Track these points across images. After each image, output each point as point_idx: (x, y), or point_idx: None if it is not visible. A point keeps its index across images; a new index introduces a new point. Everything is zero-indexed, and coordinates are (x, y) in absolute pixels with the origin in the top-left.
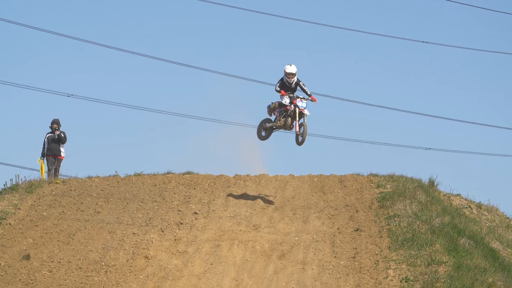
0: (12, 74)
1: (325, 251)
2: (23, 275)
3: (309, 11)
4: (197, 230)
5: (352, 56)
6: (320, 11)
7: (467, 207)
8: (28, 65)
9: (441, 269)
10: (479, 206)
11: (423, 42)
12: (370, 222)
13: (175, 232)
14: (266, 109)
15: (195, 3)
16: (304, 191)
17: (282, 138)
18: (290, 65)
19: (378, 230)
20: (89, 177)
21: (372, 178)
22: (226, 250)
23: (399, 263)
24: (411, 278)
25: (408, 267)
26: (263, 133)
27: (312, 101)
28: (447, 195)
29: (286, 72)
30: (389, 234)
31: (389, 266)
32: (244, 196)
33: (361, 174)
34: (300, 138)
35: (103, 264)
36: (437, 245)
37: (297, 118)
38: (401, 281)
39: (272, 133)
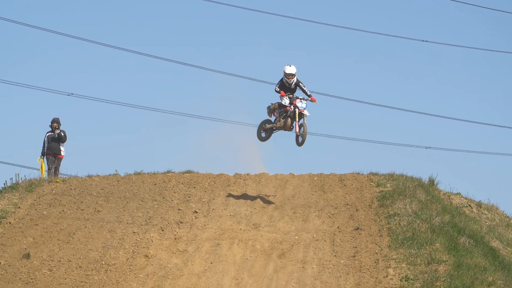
0: (12, 73)
1: (325, 250)
2: (23, 274)
3: (309, 10)
4: (197, 229)
5: (351, 55)
6: (320, 10)
7: (467, 206)
8: (28, 64)
9: (441, 268)
10: (479, 205)
11: (423, 41)
12: (370, 221)
13: (175, 231)
14: (266, 110)
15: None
16: (304, 190)
17: (282, 137)
18: (290, 66)
19: (378, 229)
20: (89, 176)
21: (372, 177)
22: (226, 249)
23: (399, 262)
24: (411, 277)
25: (408, 266)
26: (263, 134)
27: (311, 101)
28: (447, 194)
29: (286, 73)
30: (389, 233)
31: (389, 265)
32: (244, 195)
33: (361, 173)
34: (300, 139)
35: (103, 263)
36: (437, 244)
37: (297, 119)
38: (401, 280)
39: (272, 134)
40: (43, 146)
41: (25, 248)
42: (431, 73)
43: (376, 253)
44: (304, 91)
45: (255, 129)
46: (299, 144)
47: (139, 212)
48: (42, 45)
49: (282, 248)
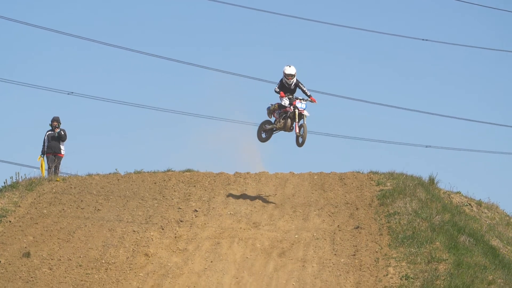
0: (12, 72)
1: (325, 248)
2: (23, 273)
3: (309, 9)
4: (197, 227)
5: (351, 54)
6: (320, 9)
7: (467, 205)
8: (28, 63)
9: (441, 266)
10: (479, 203)
11: (423, 40)
12: (370, 220)
13: (175, 230)
14: (266, 111)
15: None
16: (304, 188)
17: (282, 136)
18: (289, 66)
19: (378, 228)
20: (89, 175)
21: (372, 175)
22: (226, 247)
23: (399, 261)
24: (411, 275)
25: (408, 264)
26: (263, 135)
27: (311, 102)
28: (447, 192)
29: (286, 73)
30: (389, 231)
31: (389, 263)
32: (244, 194)
33: (361, 172)
34: (300, 140)
35: (103, 261)
36: (437, 243)
37: (297, 120)
38: (401, 279)
39: (273, 135)
40: (43, 145)
41: (25, 247)
42: (431, 72)
43: (376, 251)
44: (304, 92)
45: (255, 128)
46: (299, 144)
47: (139, 211)
48: (42, 44)
49: (282, 247)
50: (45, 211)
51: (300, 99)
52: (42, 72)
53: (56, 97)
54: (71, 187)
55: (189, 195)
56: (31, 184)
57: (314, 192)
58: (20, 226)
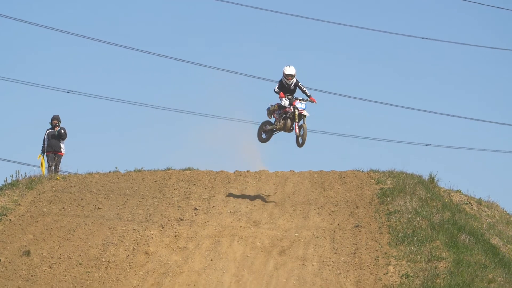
0: (12, 70)
1: (325, 247)
2: (24, 271)
3: (308, 8)
4: (197, 226)
5: (351, 53)
6: (320, 7)
7: (467, 203)
8: (28, 61)
9: (441, 265)
10: (479, 202)
11: (423, 38)
12: (370, 218)
13: (175, 228)
14: (266, 111)
15: None
16: (304, 187)
17: (281, 135)
18: (289, 67)
19: (378, 226)
20: (89, 173)
21: (372, 174)
22: (226, 246)
23: (399, 259)
24: (411, 274)
25: (408, 263)
26: (263, 136)
27: (311, 102)
28: (447, 191)
29: (285, 74)
30: (389, 230)
31: (389, 262)
32: (244, 192)
33: (361, 170)
34: (300, 140)
35: (103, 260)
36: (437, 241)
37: (297, 120)
38: (401, 277)
39: (273, 136)
40: (43, 144)
41: (25, 245)
42: (431, 70)
43: (376, 250)
44: (303, 92)
45: (256, 127)
46: (299, 145)
47: (139, 209)
48: (42, 42)
49: (282, 245)
50: (45, 209)
51: (300, 99)
52: (42, 70)
53: (56, 95)
54: (71, 186)
55: (189, 194)
56: (31, 183)
57: (314, 190)
58: (20, 224)
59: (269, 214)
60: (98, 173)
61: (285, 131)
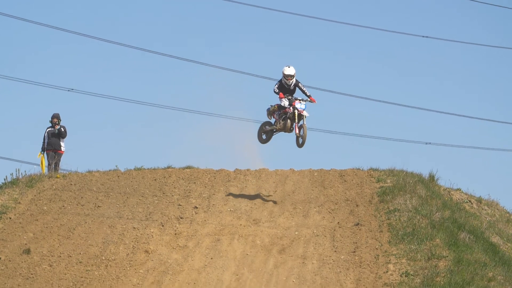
0: (12, 68)
1: (325, 245)
2: (24, 269)
3: (308, 6)
4: (197, 224)
5: (351, 51)
6: (320, 6)
7: (467, 202)
8: (28, 59)
9: (441, 263)
10: (479, 200)
11: (423, 36)
12: (370, 217)
13: (175, 227)
14: (266, 112)
15: None
16: (305, 185)
17: (282, 135)
18: (289, 67)
19: (378, 225)
20: (89, 172)
21: (372, 172)
22: (226, 244)
23: (399, 258)
24: (411, 272)
25: (408, 261)
26: (263, 136)
27: (311, 102)
28: (447, 189)
29: (285, 74)
30: (389, 228)
31: (389, 260)
32: (244, 191)
33: (361, 169)
34: (300, 140)
35: (103, 258)
36: (437, 240)
37: (297, 120)
38: (401, 276)
39: (273, 136)
40: (43, 142)
41: (25, 244)
42: (431, 69)
43: (376, 248)
44: (303, 92)
45: (256, 125)
46: (299, 145)
47: (139, 208)
48: (43, 40)
49: (282, 244)
50: (45, 207)
51: (300, 100)
52: (42, 69)
53: (56, 93)
54: (71, 184)
55: (189, 192)
56: (31, 181)
57: (314, 189)
58: (20, 222)
59: (269, 213)
60: (98, 171)
61: (285, 131)
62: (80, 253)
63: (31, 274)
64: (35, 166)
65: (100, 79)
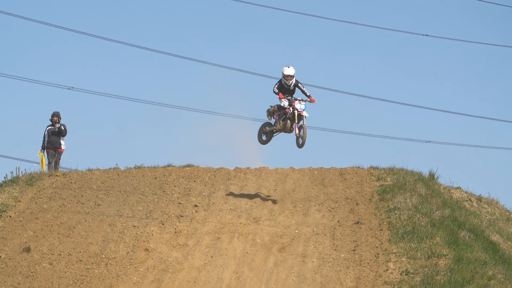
0: (13, 67)
1: (325, 244)
2: (24, 268)
3: (308, 4)
4: (197, 222)
5: (352, 49)
6: (320, 4)
7: (467, 200)
8: (29, 58)
9: (441, 262)
10: (479, 199)
11: (424, 35)
12: (370, 215)
13: (175, 225)
14: (266, 113)
15: None
16: (305, 184)
17: (282, 135)
18: (288, 67)
19: (378, 223)
20: (90, 170)
21: (372, 171)
22: (227, 242)
23: (399, 256)
24: (411, 271)
25: (408, 260)
26: (263, 137)
27: (311, 102)
28: (447, 188)
29: (284, 74)
30: (389, 227)
31: (389, 259)
32: (245, 189)
33: (361, 167)
34: (300, 141)
35: (103, 256)
36: (437, 238)
37: (296, 121)
38: (401, 274)
39: (273, 137)
40: (43, 140)
41: (26, 242)
42: (432, 67)
43: (376, 247)
44: (303, 92)
45: (256, 123)
46: (299, 146)
47: (139, 206)
48: (43, 39)
49: (282, 242)
50: (45, 206)
51: (299, 100)
52: (42, 67)
53: (56, 92)
54: (71, 182)
55: (189, 190)
56: (31, 179)
57: (314, 187)
58: (20, 221)
59: (269, 211)
60: (98, 169)
61: (285, 132)
62: (80, 252)
63: (31, 272)
64: (35, 164)
65: (100, 78)
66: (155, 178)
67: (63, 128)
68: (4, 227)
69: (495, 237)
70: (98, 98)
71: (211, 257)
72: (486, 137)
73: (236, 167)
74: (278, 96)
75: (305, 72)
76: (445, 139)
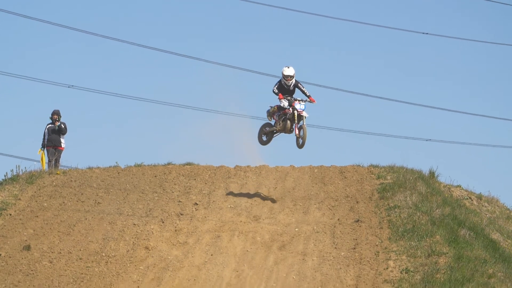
0: (13, 65)
1: (326, 242)
2: (24, 266)
3: (308, 3)
4: (197, 221)
5: (351, 47)
6: (320, 2)
7: (467, 198)
8: (29, 56)
9: (441, 260)
10: (479, 197)
11: (423, 33)
12: (370, 213)
13: (175, 223)
14: (266, 114)
15: None
16: (305, 182)
17: (282, 136)
18: (288, 67)
19: (379, 221)
20: (90, 168)
21: (372, 169)
22: (227, 241)
23: (399, 254)
24: (411, 269)
25: (408, 258)
26: (264, 138)
27: (311, 102)
28: (447, 186)
29: (284, 75)
30: (389, 225)
31: (390, 257)
32: (245, 187)
33: (361, 165)
34: (300, 141)
35: (104, 254)
36: (437, 236)
37: (296, 121)
38: (401, 272)
39: (273, 138)
40: (44, 138)
41: (26, 240)
42: (432, 66)
43: (377, 245)
44: (303, 92)
45: (256, 122)
46: (299, 146)
47: (139, 204)
48: (43, 37)
49: (282, 240)
50: (45, 204)
51: (299, 100)
52: (42, 65)
53: (56, 90)
54: (72, 180)
55: (189, 188)
56: (31, 177)
57: (314, 185)
58: (20, 219)
59: (269, 209)
60: (98, 167)
61: (285, 132)
62: (80, 250)
63: (31, 270)
64: (35, 163)
65: (100, 76)
66: (155, 176)
67: (63, 126)
68: (4, 225)
69: (495, 235)
70: (98, 96)
71: (211, 255)
72: (486, 135)
73: (236, 165)
74: (277, 97)
75: (305, 70)
76: (445, 137)
